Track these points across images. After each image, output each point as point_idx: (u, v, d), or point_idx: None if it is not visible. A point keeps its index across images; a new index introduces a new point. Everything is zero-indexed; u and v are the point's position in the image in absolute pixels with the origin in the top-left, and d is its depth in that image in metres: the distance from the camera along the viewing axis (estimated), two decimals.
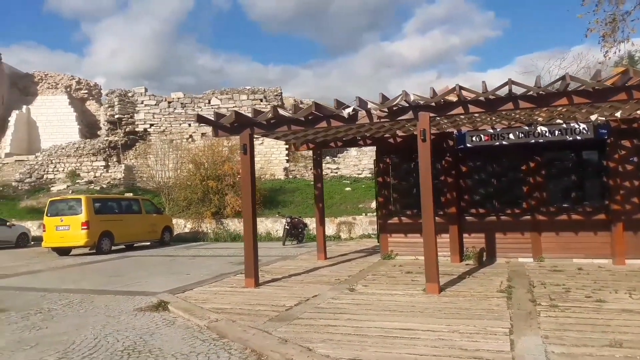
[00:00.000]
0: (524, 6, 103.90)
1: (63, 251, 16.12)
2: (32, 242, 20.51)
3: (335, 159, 27.61)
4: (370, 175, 25.86)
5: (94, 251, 15.94)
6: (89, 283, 10.29)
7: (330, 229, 18.91)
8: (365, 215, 18.81)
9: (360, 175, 25.75)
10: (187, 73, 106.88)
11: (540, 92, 6.76)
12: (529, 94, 6.79)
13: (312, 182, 25.70)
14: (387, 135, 10.68)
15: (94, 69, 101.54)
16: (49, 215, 15.91)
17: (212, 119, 8.39)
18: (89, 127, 39.08)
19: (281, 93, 28.16)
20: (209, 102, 27.82)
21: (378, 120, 7.53)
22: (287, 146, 27.51)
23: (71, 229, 15.42)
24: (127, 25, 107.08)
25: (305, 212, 19.80)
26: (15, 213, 23.80)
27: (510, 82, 6.63)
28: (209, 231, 20.44)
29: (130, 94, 28.24)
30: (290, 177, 26.99)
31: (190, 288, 8.65)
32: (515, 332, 5.17)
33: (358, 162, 26.29)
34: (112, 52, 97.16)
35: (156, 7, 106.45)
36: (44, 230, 15.98)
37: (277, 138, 10.71)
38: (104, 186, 26.54)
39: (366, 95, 7.28)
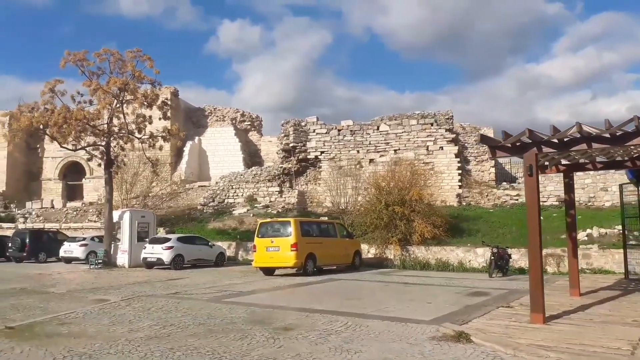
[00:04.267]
0: None
1: (268, 271, 16.85)
2: (225, 262, 21.92)
3: (515, 185, 25.97)
4: (557, 203, 23.84)
5: (300, 272, 16.40)
6: (334, 305, 10.32)
7: None
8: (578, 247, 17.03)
9: (545, 203, 23.79)
10: (323, 104, 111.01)
11: None
12: None
13: (491, 210, 24.68)
14: None
15: (241, 103, 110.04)
16: (259, 236, 16.80)
17: (495, 138, 7.96)
18: (250, 156, 41.84)
19: (452, 117, 27.41)
20: (378, 129, 28.01)
21: None
22: (459, 172, 26.57)
23: (281, 250, 16.09)
24: (272, 62, 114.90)
25: (497, 241, 18.51)
26: (205, 234, 25.69)
27: None
28: (394, 257, 20.13)
29: (303, 124, 29.55)
30: (464, 204, 25.89)
31: (469, 319, 8.19)
32: None
33: (542, 188, 24.34)
34: (257, 88, 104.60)
35: (298, 44, 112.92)
36: (254, 251, 16.90)
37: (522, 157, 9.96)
38: (279, 210, 27.80)
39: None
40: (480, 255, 18.62)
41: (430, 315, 8.89)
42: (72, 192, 40.89)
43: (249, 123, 44.85)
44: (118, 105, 19.08)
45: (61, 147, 19.91)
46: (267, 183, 29.96)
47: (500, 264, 16.06)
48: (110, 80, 18.55)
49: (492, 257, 15.99)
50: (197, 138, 41.08)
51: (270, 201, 29.21)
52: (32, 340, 7.06)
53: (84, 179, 40.00)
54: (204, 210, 29.64)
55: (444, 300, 11.00)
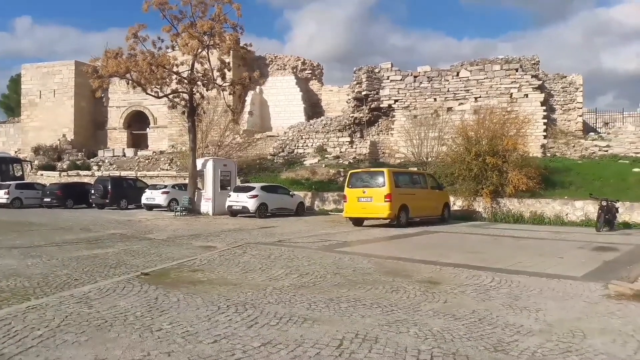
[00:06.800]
0: None
1: (358, 221, 16.43)
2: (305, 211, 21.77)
3: (604, 135, 24.23)
4: None
5: (393, 223, 15.87)
6: (460, 258, 9.74)
7: None
8: None
9: None
10: (376, 53, 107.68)
11: None
12: None
13: (580, 162, 23.10)
14: None
15: (292, 53, 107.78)
16: (350, 186, 16.30)
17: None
18: (311, 106, 40.94)
19: (539, 62, 25.55)
20: (457, 75, 26.49)
21: None
22: (544, 120, 24.94)
23: (374, 201, 15.56)
24: (325, 10, 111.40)
25: (595, 194, 17.25)
26: (279, 183, 25.49)
27: None
28: (484, 210, 19.31)
29: (376, 70, 28.33)
30: (549, 155, 24.42)
31: (637, 277, 7.44)
32: None
33: (637, 139, 22.61)
34: (309, 37, 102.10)
35: None
36: (345, 201, 16.46)
37: None
38: (351, 161, 27.22)
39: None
40: (579, 209, 17.57)
41: (579, 272, 8.27)
42: (137, 141, 41.63)
43: (310, 72, 43.59)
44: (201, 51, 18.59)
45: (146, 93, 19.71)
46: (338, 133, 29.30)
47: (608, 218, 15.04)
48: (197, 23, 17.96)
49: (601, 211, 14.98)
50: (258, 88, 40.36)
51: (341, 151, 28.63)
52: (180, 288, 6.84)
53: (148, 129, 40.53)
54: (274, 160, 29.46)
55: (574, 255, 10.32)
